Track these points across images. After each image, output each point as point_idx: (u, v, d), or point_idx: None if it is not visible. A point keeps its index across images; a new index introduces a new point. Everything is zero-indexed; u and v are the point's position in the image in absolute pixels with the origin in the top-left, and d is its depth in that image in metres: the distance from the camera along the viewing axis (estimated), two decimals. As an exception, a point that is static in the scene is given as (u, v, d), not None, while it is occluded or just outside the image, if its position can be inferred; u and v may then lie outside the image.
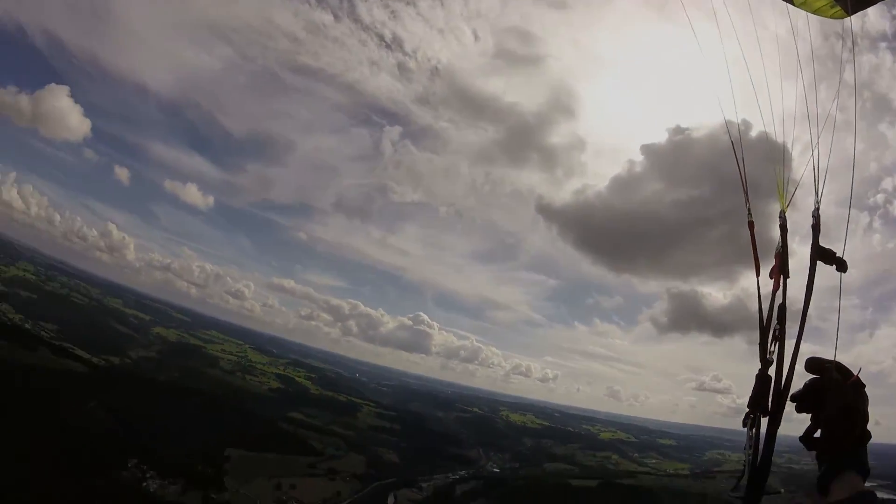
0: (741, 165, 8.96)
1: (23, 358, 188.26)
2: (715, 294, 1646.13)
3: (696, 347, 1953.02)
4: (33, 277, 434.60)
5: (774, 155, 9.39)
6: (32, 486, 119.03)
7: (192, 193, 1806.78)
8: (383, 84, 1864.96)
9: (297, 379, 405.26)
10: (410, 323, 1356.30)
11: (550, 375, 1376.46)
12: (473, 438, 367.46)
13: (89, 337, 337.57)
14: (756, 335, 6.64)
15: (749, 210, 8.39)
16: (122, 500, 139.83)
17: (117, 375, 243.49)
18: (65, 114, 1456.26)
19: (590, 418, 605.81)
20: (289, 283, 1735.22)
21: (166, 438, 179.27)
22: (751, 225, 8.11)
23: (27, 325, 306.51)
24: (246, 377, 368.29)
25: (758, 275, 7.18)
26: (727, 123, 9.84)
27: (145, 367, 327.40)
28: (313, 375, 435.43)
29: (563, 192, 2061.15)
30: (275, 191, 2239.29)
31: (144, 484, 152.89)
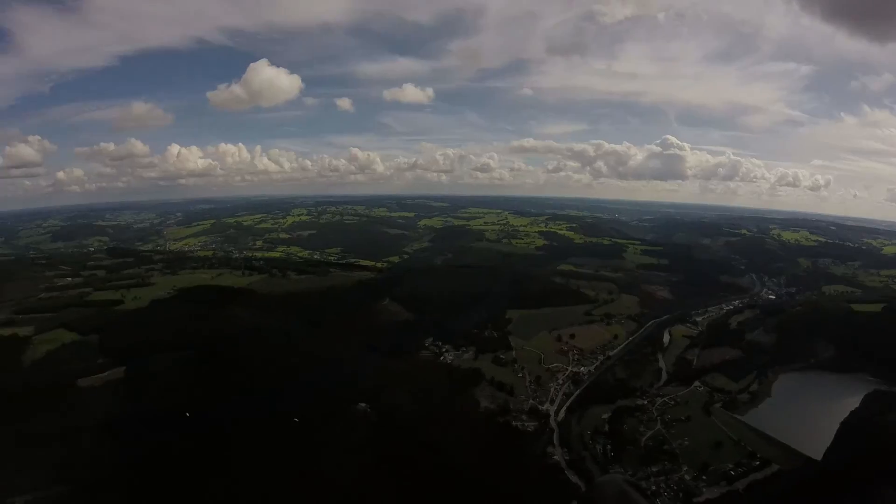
0: None
1: (321, 283, 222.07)
2: None
3: None
4: (307, 217, 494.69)
5: None
6: (362, 368, 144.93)
7: (410, 93, 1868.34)
8: None
9: (559, 232, 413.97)
10: (659, 149, 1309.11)
11: (821, 182, 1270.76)
12: (744, 263, 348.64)
13: (368, 248, 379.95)
14: None
15: None
16: (429, 370, 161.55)
17: (400, 271, 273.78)
18: (273, 81, 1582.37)
19: (870, 230, 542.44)
20: (528, 143, 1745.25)
21: (454, 314, 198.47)
22: None
23: (316, 256, 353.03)
24: (512, 242, 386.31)
25: None
26: None
27: (422, 257, 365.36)
28: (574, 225, 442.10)
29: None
30: (483, 58, 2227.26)
31: (441, 358, 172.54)
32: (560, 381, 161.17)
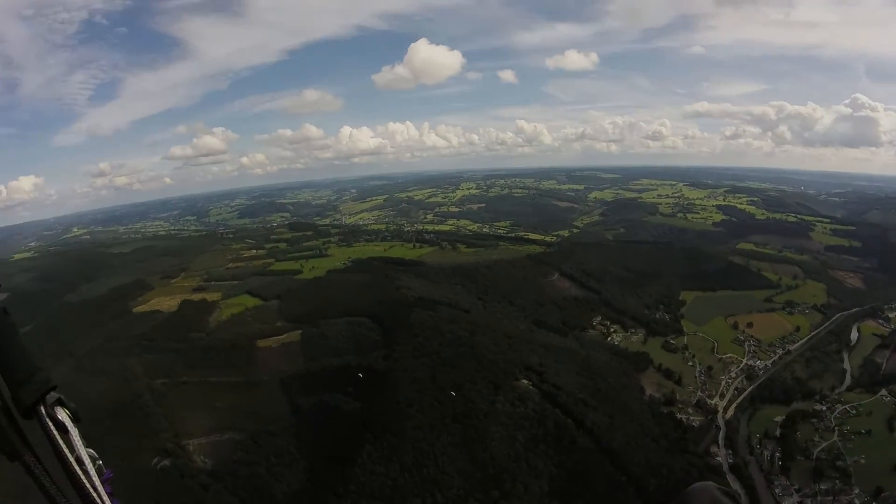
0: None
1: (490, 256, 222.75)
2: None
3: None
4: (476, 191, 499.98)
5: None
6: (528, 343, 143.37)
7: (573, 59, 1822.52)
8: None
9: (738, 206, 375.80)
10: (849, 110, 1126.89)
11: None
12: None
13: (537, 221, 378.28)
14: None
15: None
16: (595, 350, 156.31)
17: (570, 246, 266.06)
18: (434, 58, 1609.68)
19: None
20: (702, 106, 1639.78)
21: (624, 293, 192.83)
22: None
23: (485, 229, 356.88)
24: (687, 216, 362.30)
25: None
26: None
27: (592, 231, 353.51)
28: (755, 199, 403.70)
29: None
30: (647, 16, 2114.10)
31: (609, 338, 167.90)
32: (732, 374, 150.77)
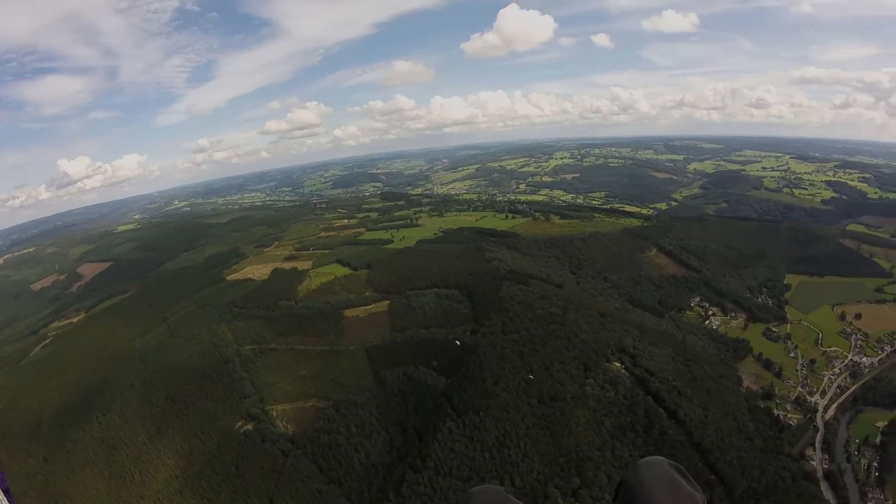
0: None
1: (584, 228, 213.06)
2: None
3: None
4: (570, 161, 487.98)
5: None
6: (622, 323, 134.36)
7: (670, 20, 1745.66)
8: None
9: (850, 183, 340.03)
10: None
11: None
12: None
13: (634, 192, 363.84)
14: None
15: None
16: (692, 334, 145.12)
17: (668, 219, 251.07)
18: (525, 24, 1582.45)
19: None
20: (810, 72, 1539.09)
21: (725, 273, 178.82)
22: None
23: (579, 200, 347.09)
24: (794, 192, 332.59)
25: None
26: None
27: (692, 204, 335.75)
28: (867, 175, 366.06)
29: None
30: None
31: (707, 322, 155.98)
32: (836, 371, 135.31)
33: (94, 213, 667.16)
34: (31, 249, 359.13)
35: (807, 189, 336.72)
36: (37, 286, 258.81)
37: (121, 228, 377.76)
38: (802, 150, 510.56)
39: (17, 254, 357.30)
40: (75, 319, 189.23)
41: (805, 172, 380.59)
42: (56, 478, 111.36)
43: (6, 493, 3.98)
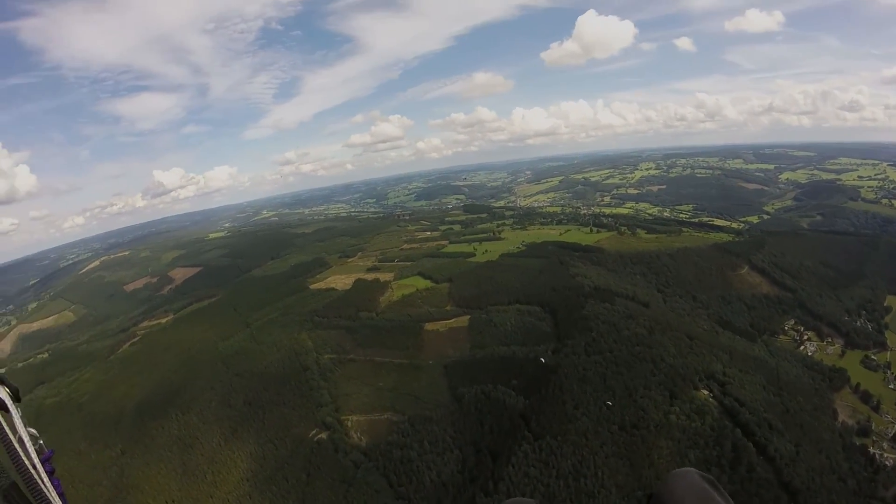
0: None
1: (672, 243, 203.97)
2: None
3: None
4: (656, 171, 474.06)
5: None
6: (710, 346, 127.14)
7: (755, 19, 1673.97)
8: None
9: None
10: None
11: None
12: None
13: (723, 205, 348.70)
14: None
15: None
16: (785, 361, 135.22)
17: (761, 234, 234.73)
18: (604, 30, 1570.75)
19: None
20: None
21: (822, 293, 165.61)
22: None
23: (666, 213, 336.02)
24: (894, 203, 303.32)
25: None
26: None
27: (784, 217, 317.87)
28: None
29: None
30: None
31: (801, 347, 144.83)
32: None
33: (187, 221, 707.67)
34: (127, 253, 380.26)
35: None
36: (129, 287, 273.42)
37: (211, 236, 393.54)
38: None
39: (113, 256, 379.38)
40: (163, 320, 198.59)
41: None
42: (130, 470, 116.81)
43: (51, 475, 3.77)
